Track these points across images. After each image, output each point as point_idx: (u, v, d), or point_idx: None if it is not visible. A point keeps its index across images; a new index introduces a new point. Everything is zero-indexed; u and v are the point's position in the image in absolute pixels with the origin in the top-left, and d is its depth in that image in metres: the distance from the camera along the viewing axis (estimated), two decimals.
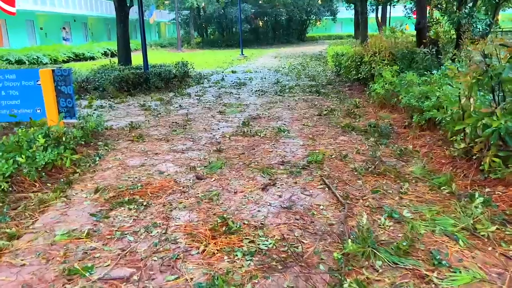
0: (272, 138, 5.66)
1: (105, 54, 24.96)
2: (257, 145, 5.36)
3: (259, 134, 5.85)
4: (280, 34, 44.08)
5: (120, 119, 7.21)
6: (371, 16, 38.63)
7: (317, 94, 9.43)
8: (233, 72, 15.25)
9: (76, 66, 16.13)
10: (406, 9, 21.31)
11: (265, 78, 13.16)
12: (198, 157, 4.89)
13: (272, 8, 40.03)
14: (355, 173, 4.21)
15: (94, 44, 27.12)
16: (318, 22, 47.58)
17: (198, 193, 3.76)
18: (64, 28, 30.39)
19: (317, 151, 4.98)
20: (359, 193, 3.69)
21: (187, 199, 3.64)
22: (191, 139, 5.75)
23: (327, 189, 3.83)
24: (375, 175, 4.11)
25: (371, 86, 7.48)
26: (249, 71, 15.29)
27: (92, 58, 23.55)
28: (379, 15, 28.66)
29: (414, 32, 17.85)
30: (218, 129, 6.34)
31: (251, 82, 12.22)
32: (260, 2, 40.11)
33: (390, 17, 30.54)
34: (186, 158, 4.84)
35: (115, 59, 13.89)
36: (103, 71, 10.43)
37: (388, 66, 8.05)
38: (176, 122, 6.82)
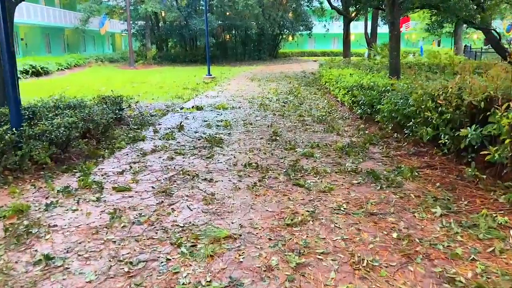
0: None
1: (27, 72, 19.01)
2: None
3: None
4: (250, 49, 39.23)
5: None
6: (354, 31, 34.92)
7: (377, 183, 4.49)
8: (198, 108, 10.07)
9: None
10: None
11: (250, 123, 8.11)
12: None
13: (242, 21, 35.02)
14: None
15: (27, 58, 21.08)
16: (291, 37, 43.32)
17: None
18: None
19: None
20: None
21: None
22: None
23: None
24: None
25: None
26: (222, 107, 10.17)
27: None
28: (368, 30, 24.58)
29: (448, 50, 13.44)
30: None
31: (229, 135, 7.12)
32: (227, 13, 35.08)
33: (377, 33, 26.50)
34: None
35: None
36: None
37: None
38: None
